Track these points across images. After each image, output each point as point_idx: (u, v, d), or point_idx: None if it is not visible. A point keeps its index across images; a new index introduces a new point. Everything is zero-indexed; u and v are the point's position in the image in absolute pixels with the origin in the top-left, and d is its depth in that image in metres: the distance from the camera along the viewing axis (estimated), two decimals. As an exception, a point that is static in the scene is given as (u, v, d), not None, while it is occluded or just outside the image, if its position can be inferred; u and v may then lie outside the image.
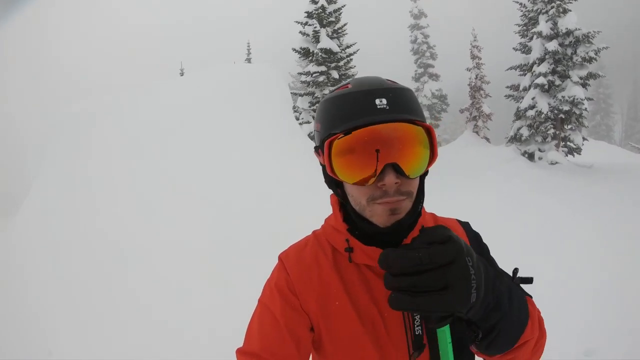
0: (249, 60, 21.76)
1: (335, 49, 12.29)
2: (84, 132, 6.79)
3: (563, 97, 12.08)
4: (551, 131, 12.69)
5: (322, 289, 0.85)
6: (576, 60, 12.03)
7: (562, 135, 12.96)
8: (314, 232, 0.97)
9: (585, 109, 12.11)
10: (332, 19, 12.69)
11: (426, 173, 0.81)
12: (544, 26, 12.35)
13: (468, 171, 10.69)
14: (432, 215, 0.97)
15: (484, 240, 0.96)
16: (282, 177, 6.04)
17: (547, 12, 12.51)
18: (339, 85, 0.90)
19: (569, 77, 12.17)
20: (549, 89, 12.48)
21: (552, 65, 12.37)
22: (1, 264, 4.77)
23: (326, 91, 12.47)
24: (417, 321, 0.80)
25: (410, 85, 21.74)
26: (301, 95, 13.20)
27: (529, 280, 0.80)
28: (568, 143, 13.14)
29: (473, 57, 16.95)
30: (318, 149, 0.85)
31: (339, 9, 12.75)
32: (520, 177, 10.14)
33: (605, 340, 3.54)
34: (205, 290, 4.02)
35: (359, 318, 0.82)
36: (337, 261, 0.88)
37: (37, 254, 4.69)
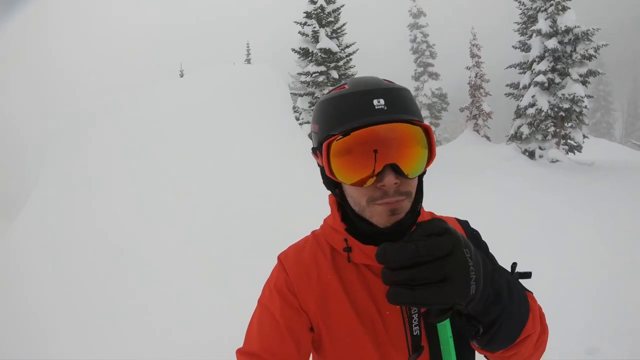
0: (248, 61, 21.79)
1: (335, 48, 12.30)
2: (84, 133, 6.80)
3: (563, 94, 12.07)
4: (551, 129, 12.68)
5: (321, 289, 0.85)
6: (576, 57, 12.03)
7: (563, 133, 12.96)
8: (313, 232, 0.97)
9: (586, 107, 12.11)
10: (331, 18, 12.70)
11: (424, 172, 0.80)
12: (543, 24, 12.35)
13: (469, 170, 10.69)
14: (431, 214, 0.98)
15: (485, 239, 0.96)
16: (283, 177, 6.04)
17: (546, 9, 12.51)
18: (335, 86, 0.89)
19: (568, 74, 12.17)
20: (548, 87, 12.47)
21: (552, 63, 12.37)
22: (2, 265, 4.77)
23: (326, 91, 12.43)
24: (414, 320, 0.80)
25: (410, 84, 21.76)
26: (301, 95, 13.21)
27: (527, 275, 0.80)
28: (568, 141, 13.14)
29: (472, 55, 16.95)
30: (316, 151, 0.85)
31: (338, 8, 12.75)
32: (520, 175, 10.15)
33: (607, 339, 3.54)
34: (205, 291, 4.02)
35: (358, 317, 0.82)
36: (336, 261, 0.88)
37: (37, 256, 4.69)
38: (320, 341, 0.85)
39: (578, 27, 11.90)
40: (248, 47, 22.37)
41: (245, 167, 6.15)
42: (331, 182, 0.84)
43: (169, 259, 4.48)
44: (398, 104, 0.76)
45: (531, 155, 12.73)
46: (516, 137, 13.13)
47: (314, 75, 12.57)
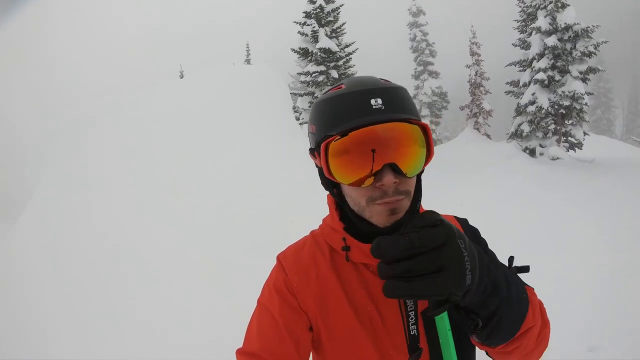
0: (248, 61, 21.77)
1: (334, 48, 12.29)
2: (84, 133, 6.80)
3: (563, 92, 12.06)
4: (552, 126, 12.67)
5: (320, 289, 0.85)
6: (575, 55, 12.02)
7: (563, 130, 12.94)
8: (311, 232, 0.97)
9: (586, 104, 12.10)
10: (331, 18, 12.69)
11: (422, 171, 0.80)
12: (542, 21, 12.33)
13: (469, 168, 10.70)
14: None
15: (485, 236, 0.96)
16: (283, 177, 6.04)
17: (545, 7, 12.49)
18: (331, 86, 0.89)
19: (568, 72, 12.16)
20: (549, 84, 12.46)
21: (552, 61, 12.35)
22: (2, 266, 4.78)
23: (325, 91, 12.46)
24: (411, 318, 0.80)
25: (410, 83, 21.77)
26: (301, 95, 13.21)
27: (525, 269, 0.79)
28: (569, 138, 13.12)
29: (472, 53, 16.94)
30: (314, 151, 0.85)
31: (337, 8, 12.76)
32: (521, 173, 10.15)
33: (609, 336, 3.53)
34: (205, 291, 4.02)
35: (357, 316, 0.82)
36: (335, 260, 0.88)
37: (37, 257, 4.69)
38: (320, 341, 0.85)
39: (578, 24, 11.89)
40: (248, 47, 22.36)
41: (245, 167, 6.15)
42: (329, 183, 0.84)
43: (169, 259, 4.48)
44: (395, 103, 0.76)
45: (532, 152, 12.72)
46: (517, 134, 13.12)
47: (313, 75, 12.57)
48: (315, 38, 12.55)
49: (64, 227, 4.97)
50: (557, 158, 11.93)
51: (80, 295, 4.09)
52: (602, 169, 10.54)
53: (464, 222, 0.97)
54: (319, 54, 12.36)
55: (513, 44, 14.32)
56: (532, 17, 13.40)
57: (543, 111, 12.29)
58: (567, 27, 12.01)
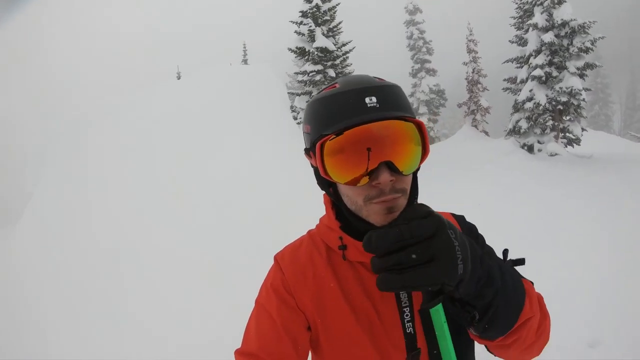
0: (245, 61, 21.74)
1: (331, 47, 12.29)
2: (84, 134, 6.80)
3: (560, 88, 12.07)
4: (550, 123, 12.69)
5: (317, 288, 0.85)
6: (572, 51, 12.02)
7: (561, 126, 12.96)
8: (308, 231, 0.97)
9: (583, 100, 12.11)
10: (327, 17, 12.69)
11: (418, 169, 0.81)
12: (539, 18, 12.34)
13: (467, 165, 10.70)
14: None
15: (484, 233, 0.96)
16: (283, 177, 6.03)
17: (541, 3, 12.49)
18: (325, 85, 0.89)
19: (565, 68, 12.16)
20: (546, 81, 12.47)
21: (549, 57, 12.36)
22: (2, 266, 4.78)
23: (323, 90, 12.46)
24: (406, 315, 0.80)
25: (408, 81, 21.78)
26: (298, 94, 13.21)
27: (521, 262, 0.79)
28: (567, 134, 13.14)
29: (469, 51, 16.94)
30: (309, 151, 0.85)
31: (334, 7, 12.76)
32: (519, 169, 10.15)
33: (609, 331, 3.53)
34: (205, 291, 4.02)
35: (354, 315, 0.82)
36: (332, 259, 0.88)
37: (37, 257, 4.69)
38: (318, 340, 0.85)
39: (574, 20, 11.89)
40: (245, 47, 22.33)
41: (245, 167, 6.14)
42: (325, 182, 0.84)
43: (169, 259, 4.48)
44: (390, 101, 0.76)
45: (530, 149, 12.73)
46: (514, 131, 13.13)
47: (310, 74, 12.56)
48: (312, 37, 12.54)
49: (64, 227, 4.97)
50: (556, 154, 11.94)
51: (80, 296, 4.09)
52: (601, 164, 10.55)
53: (460, 218, 0.97)
54: (315, 53, 12.36)
55: (510, 41, 14.31)
56: (528, 13, 13.41)
57: (541, 107, 12.30)
58: (564, 23, 12.01)
